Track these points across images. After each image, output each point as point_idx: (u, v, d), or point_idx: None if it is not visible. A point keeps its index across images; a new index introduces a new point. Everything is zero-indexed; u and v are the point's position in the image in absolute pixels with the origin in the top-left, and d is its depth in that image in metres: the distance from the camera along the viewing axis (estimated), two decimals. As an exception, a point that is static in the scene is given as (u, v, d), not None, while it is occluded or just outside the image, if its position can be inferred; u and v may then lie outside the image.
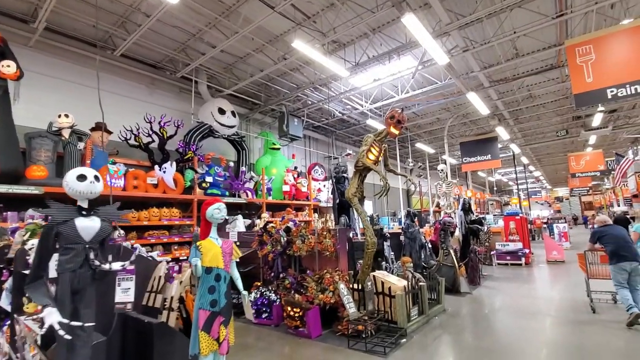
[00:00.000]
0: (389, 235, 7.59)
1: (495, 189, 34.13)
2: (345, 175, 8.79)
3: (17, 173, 5.23)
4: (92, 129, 6.62)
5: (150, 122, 7.19)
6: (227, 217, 8.63)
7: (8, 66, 5.11)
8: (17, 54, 5.54)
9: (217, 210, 2.74)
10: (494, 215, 15.48)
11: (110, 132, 6.82)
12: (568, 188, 32.53)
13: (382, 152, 4.91)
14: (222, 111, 8.78)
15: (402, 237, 7.25)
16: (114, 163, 6.49)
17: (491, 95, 10.99)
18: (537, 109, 13.39)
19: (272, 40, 7.84)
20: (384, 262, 6.81)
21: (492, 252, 9.58)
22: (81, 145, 6.13)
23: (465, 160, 14.40)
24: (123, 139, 6.88)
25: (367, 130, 14.37)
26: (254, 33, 7.42)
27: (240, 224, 8.31)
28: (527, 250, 9.53)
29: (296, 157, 12.70)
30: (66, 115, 6.10)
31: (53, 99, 6.89)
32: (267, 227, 4.94)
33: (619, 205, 21.44)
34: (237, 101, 10.24)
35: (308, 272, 4.41)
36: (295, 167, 11.33)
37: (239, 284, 2.84)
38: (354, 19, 6.73)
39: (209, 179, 7.81)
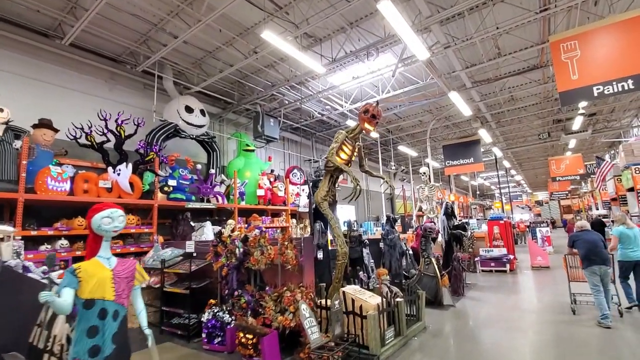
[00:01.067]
0: (367, 242, 7.10)
1: (478, 192, 34.37)
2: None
3: None
4: (35, 126, 5.86)
5: (106, 120, 6.47)
6: (193, 224, 7.95)
7: None
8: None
9: (107, 220, 2.05)
10: (477, 219, 15.24)
11: (56, 130, 6.06)
12: (548, 192, 33.06)
13: (356, 150, 4.41)
14: (189, 109, 8.13)
15: (381, 244, 6.76)
16: (58, 164, 5.74)
17: (473, 97, 10.73)
18: (519, 112, 13.27)
19: (242, 33, 7.27)
20: (361, 272, 6.30)
21: (475, 259, 9.21)
22: (18, 143, 5.38)
23: (448, 163, 14.13)
24: (72, 137, 6.14)
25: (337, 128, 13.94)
26: (222, 25, 6.84)
27: (208, 231, 7.64)
28: (511, 256, 9.21)
29: (274, 159, 12.11)
30: (0, 110, 5.35)
31: None
32: (222, 236, 4.32)
33: (597, 209, 21.71)
34: (208, 100, 9.59)
35: (268, 288, 3.82)
36: (272, 170, 10.74)
37: (142, 319, 2.17)
38: (328, 8, 6.25)
39: (172, 182, 7.12)
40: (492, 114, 12.85)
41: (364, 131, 4.18)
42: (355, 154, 4.40)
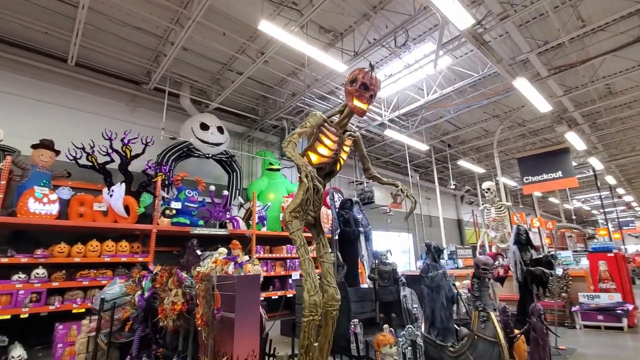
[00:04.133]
0: (403, 279, 5.35)
1: (574, 218, 28.49)
2: (357, 200, 6.90)
3: None
4: (34, 146, 5.61)
5: (110, 139, 6.06)
6: (200, 252, 7.03)
7: None
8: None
9: None
10: (575, 251, 11.84)
11: (56, 151, 5.76)
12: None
13: (348, 145, 2.96)
14: (204, 126, 7.50)
15: (422, 286, 4.93)
16: (45, 185, 5.32)
17: (554, 90, 8.36)
18: (621, 110, 10.19)
19: (252, 36, 6.50)
20: (394, 320, 4.55)
21: (573, 308, 6.54)
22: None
23: (527, 179, 11.39)
24: (71, 158, 5.77)
25: (393, 147, 12.25)
26: (228, 28, 6.14)
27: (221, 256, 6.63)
28: (630, 306, 6.34)
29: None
30: (-8, 130, 5.17)
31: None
32: (133, 271, 3.14)
33: None
34: (233, 118, 8.99)
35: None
36: (304, 192, 9.56)
37: None
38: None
39: (175, 204, 6.35)
40: (584, 113, 10.04)
41: (355, 112, 2.75)
42: (346, 149, 2.96)
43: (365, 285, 6.12)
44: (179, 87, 7.77)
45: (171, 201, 6.36)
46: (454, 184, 12.77)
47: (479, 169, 13.39)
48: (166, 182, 6.77)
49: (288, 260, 7.82)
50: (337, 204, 10.06)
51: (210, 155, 7.69)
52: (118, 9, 5.81)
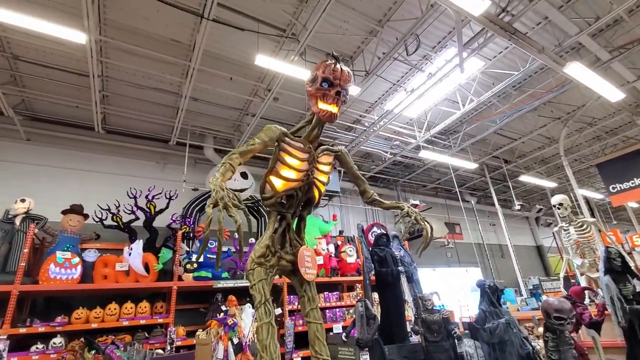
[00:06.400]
0: (457, 331, 4.21)
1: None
2: (395, 234, 6.06)
3: None
4: (64, 212, 5.80)
5: (135, 197, 6.11)
6: (222, 307, 6.49)
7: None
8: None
9: None
10: None
11: (85, 215, 5.89)
12: None
13: (321, 164, 2.28)
14: (227, 173, 7.33)
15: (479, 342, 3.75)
16: (69, 249, 5.34)
17: (624, 76, 6.85)
18: None
19: (260, 77, 6.38)
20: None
21: None
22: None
23: (613, 189, 9.29)
24: (97, 219, 5.85)
25: (439, 171, 11.02)
26: (235, 72, 6.11)
27: (247, 317, 6.01)
28: None
29: (352, 217, 10.17)
30: (22, 200, 5.44)
31: (36, 187, 6.45)
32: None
33: None
34: (257, 162, 8.80)
35: None
36: (341, 232, 8.78)
37: None
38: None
39: (196, 257, 6.02)
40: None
41: (322, 119, 2.10)
42: (324, 169, 2.28)
43: (416, 339, 4.97)
44: (203, 139, 7.87)
45: (192, 254, 6.06)
46: (519, 205, 10.93)
47: (549, 184, 11.41)
48: (190, 235, 6.57)
49: (327, 311, 6.90)
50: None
51: (235, 202, 7.42)
52: (133, 74, 6.11)
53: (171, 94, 6.60)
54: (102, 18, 5.02)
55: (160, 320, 5.35)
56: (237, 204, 1.72)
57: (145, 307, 5.35)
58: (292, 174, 2.14)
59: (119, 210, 6.00)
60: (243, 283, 6.23)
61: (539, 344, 3.64)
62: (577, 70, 5.40)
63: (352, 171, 2.57)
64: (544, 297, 9.00)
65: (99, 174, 7.11)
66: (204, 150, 7.82)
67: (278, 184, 2.15)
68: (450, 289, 11.06)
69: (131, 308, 5.24)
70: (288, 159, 2.13)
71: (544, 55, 5.38)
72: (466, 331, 4.26)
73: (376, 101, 7.41)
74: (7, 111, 5.93)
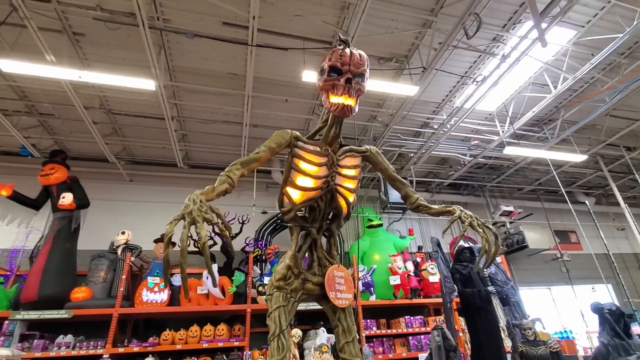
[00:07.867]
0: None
1: None
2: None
3: (57, 298, 5.25)
4: (156, 241, 6.51)
5: (213, 224, 6.55)
6: (297, 329, 6.34)
7: (63, 197, 5.73)
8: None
9: None
10: None
11: (174, 244, 6.48)
12: None
13: (344, 168, 1.96)
14: (294, 194, 7.39)
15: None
16: (158, 275, 5.89)
17: None
18: None
19: (315, 94, 6.37)
20: None
21: None
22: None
23: None
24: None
25: (537, 170, 9.33)
26: (290, 94, 6.22)
27: (322, 341, 5.75)
28: None
29: (436, 231, 9.22)
30: (122, 233, 6.25)
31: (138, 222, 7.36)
32: None
33: None
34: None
35: None
36: (420, 248, 7.98)
37: None
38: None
39: (269, 279, 6.04)
40: None
41: (335, 114, 1.79)
42: (349, 173, 1.94)
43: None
44: (270, 163, 8.14)
45: (264, 276, 6.12)
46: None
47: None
48: (262, 257, 6.69)
49: (411, 338, 6.20)
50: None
51: (304, 223, 7.39)
52: (203, 111, 6.71)
53: (235, 124, 7.02)
54: (171, 65, 5.65)
55: (237, 344, 5.43)
56: (210, 218, 1.52)
57: (222, 329, 5.51)
58: (310, 182, 1.88)
59: (200, 237, 6.45)
60: (314, 306, 6.02)
61: None
62: None
63: (387, 173, 2.17)
64: None
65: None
66: (271, 174, 8.07)
67: (295, 195, 1.90)
68: (571, 313, 9.04)
69: (210, 330, 5.45)
70: (303, 164, 1.88)
71: (661, 3, 4.14)
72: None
73: (444, 99, 6.70)
74: (110, 157, 7.01)
